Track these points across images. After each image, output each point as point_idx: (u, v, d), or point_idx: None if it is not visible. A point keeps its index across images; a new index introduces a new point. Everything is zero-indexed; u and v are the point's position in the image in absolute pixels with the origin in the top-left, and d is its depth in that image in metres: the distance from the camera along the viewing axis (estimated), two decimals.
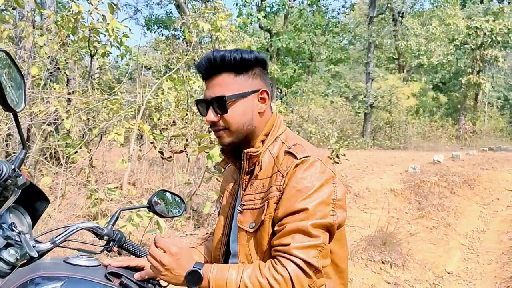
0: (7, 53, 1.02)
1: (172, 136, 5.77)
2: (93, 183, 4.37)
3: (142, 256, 1.50)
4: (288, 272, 1.12)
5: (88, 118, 5.56)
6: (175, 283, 1.20)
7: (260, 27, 22.07)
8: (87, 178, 4.87)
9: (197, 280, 1.17)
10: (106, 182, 5.56)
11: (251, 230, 1.28)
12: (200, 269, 1.18)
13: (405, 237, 5.09)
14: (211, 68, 1.29)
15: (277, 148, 1.31)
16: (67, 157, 5.15)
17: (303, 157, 1.23)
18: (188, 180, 4.94)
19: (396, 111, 20.41)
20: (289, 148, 1.27)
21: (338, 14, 25.65)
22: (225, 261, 1.48)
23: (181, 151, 5.50)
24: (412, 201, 6.76)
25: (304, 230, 1.15)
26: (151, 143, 6.09)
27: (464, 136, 20.36)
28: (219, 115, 1.29)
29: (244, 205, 1.32)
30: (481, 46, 19.64)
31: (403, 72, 23.36)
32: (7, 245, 1.18)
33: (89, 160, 5.51)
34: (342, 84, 24.39)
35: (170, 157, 5.59)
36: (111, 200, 4.80)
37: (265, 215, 1.23)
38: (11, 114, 1.09)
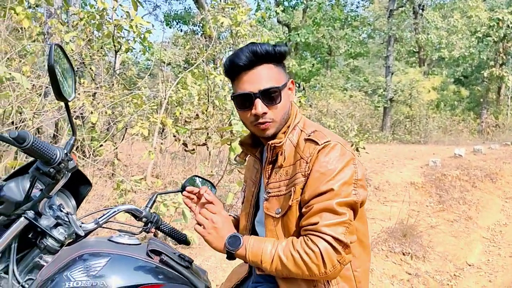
0: (60, 47, 1.12)
1: (195, 129, 5.88)
2: (121, 174, 4.50)
3: (177, 238, 1.60)
4: (319, 248, 1.19)
5: (113, 112, 5.70)
6: (215, 245, 1.28)
7: (279, 21, 22.04)
8: (113, 170, 5.01)
9: (237, 244, 1.26)
10: (131, 174, 5.71)
11: (277, 216, 1.34)
12: (240, 236, 1.27)
13: (425, 229, 5.11)
14: (254, 59, 1.31)
15: (296, 136, 1.38)
16: (93, 150, 5.31)
17: (324, 142, 1.29)
18: (211, 172, 5.04)
19: (416, 105, 20.14)
20: (309, 136, 1.34)
21: (357, 7, 25.47)
22: None
23: (204, 144, 5.61)
24: (432, 195, 6.74)
25: (331, 208, 1.22)
26: (173, 136, 6.22)
27: (486, 130, 19.98)
28: (267, 107, 1.32)
29: (269, 192, 1.38)
30: (504, 38, 19.21)
31: (424, 65, 23.03)
32: (57, 225, 1.28)
33: (114, 153, 5.66)
34: (361, 78, 24.17)
35: (193, 149, 5.70)
36: (135, 192, 4.95)
37: (292, 201, 1.30)
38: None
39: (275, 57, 1.34)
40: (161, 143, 6.58)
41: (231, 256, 1.28)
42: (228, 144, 4.58)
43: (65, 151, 1.17)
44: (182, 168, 6.42)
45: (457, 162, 8.53)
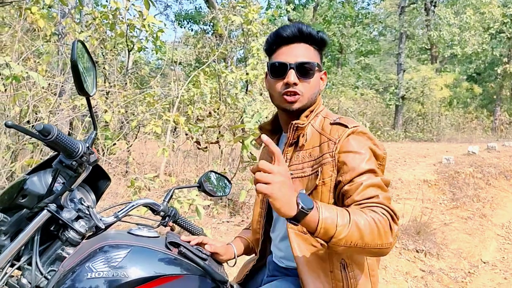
0: (82, 43, 1.14)
1: (208, 127, 5.92)
2: (136, 172, 4.55)
3: (193, 231, 1.63)
4: (386, 217, 1.15)
5: (127, 111, 5.76)
6: (284, 204, 1.00)
7: (289, 19, 21.99)
8: (127, 168, 5.06)
9: (310, 202, 1.05)
10: (144, 172, 5.76)
11: None
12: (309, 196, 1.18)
13: (439, 226, 5.08)
14: (298, 35, 1.39)
15: (318, 122, 1.41)
16: (106, 148, 5.37)
17: (354, 126, 1.33)
18: (224, 170, 5.07)
19: (428, 102, 19.95)
20: (335, 120, 1.37)
21: (368, 4, 25.37)
22: (265, 233, 1.58)
23: (217, 142, 5.64)
24: (446, 192, 6.69)
25: (379, 185, 1.23)
26: (185, 134, 6.26)
27: (500, 127, 19.74)
28: (299, 79, 1.37)
29: (292, 174, 1.38)
30: None
31: (436, 62, 22.81)
32: (78, 218, 1.32)
33: (128, 152, 5.72)
34: (372, 76, 24.03)
35: (206, 147, 5.74)
36: (149, 189, 4.99)
37: (319, 180, 1.31)
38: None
39: (317, 41, 1.43)
40: (173, 142, 6.63)
41: (298, 219, 1.04)
42: (240, 142, 4.60)
43: (87, 145, 1.20)
44: (195, 166, 6.46)
45: (471, 160, 8.45)
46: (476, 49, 20.44)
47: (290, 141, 1.42)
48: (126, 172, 4.97)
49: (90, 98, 1.20)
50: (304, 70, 1.37)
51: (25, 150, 4.49)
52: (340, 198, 1.28)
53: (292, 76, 1.36)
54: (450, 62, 23.87)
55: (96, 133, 1.28)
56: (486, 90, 23.29)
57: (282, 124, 1.52)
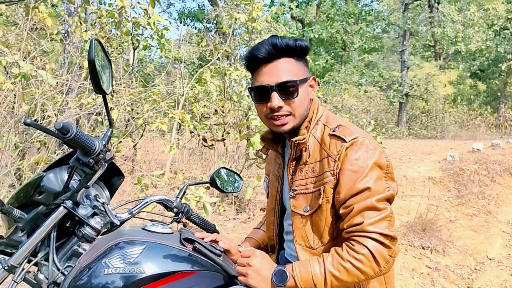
0: (99, 42, 1.16)
1: (214, 124, 5.94)
2: (144, 169, 4.57)
3: (207, 228, 1.64)
4: (368, 248, 1.18)
5: (132, 109, 5.78)
6: (262, 283, 1.23)
7: (292, 17, 21.99)
8: (133, 165, 5.09)
9: (284, 278, 1.21)
10: (149, 170, 5.78)
11: (306, 214, 1.34)
12: (283, 268, 1.24)
13: (445, 223, 5.08)
14: (274, 52, 1.30)
15: (319, 131, 1.36)
16: (112, 146, 5.40)
17: (352, 139, 1.28)
18: (230, 167, 5.09)
19: (432, 99, 19.90)
20: (334, 131, 1.32)
21: (372, 1, 25.29)
22: (279, 239, 1.57)
23: (223, 139, 5.66)
24: (451, 189, 6.69)
25: (372, 206, 1.21)
26: (191, 132, 6.27)
27: (504, 124, 19.68)
28: (283, 101, 1.30)
29: (295, 190, 1.37)
30: None
31: (440, 59, 22.73)
32: (93, 214, 1.34)
33: (134, 149, 5.74)
34: (375, 73, 23.97)
35: (212, 144, 5.76)
36: (155, 187, 5.02)
37: (322, 199, 1.29)
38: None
39: (296, 51, 1.33)
40: (178, 139, 6.65)
41: None
42: (246, 140, 4.61)
43: (103, 142, 1.21)
44: (200, 164, 6.48)
45: (476, 157, 8.44)
46: (480, 46, 20.37)
47: (293, 156, 1.39)
48: (133, 169, 5.00)
49: (106, 96, 1.21)
50: (287, 90, 1.30)
51: (33, 148, 4.52)
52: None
53: (275, 99, 1.29)
54: (454, 59, 23.79)
55: (112, 131, 1.30)
56: (490, 87, 23.20)
57: (285, 136, 1.46)
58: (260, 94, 1.33)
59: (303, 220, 1.35)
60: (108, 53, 1.23)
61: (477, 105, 22.85)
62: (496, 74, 22.51)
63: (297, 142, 1.34)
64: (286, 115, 1.32)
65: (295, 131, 1.37)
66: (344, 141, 1.28)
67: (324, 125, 1.37)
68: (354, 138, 1.28)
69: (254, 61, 1.33)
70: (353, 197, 1.23)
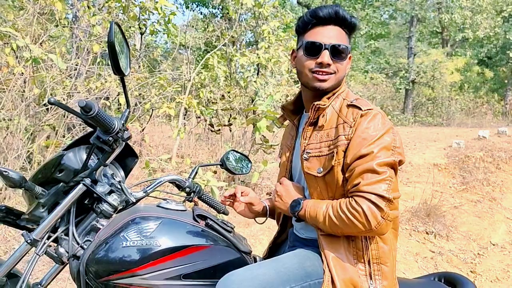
0: (118, 25, 1.20)
1: (221, 109, 5.98)
2: (152, 153, 4.63)
3: (217, 208, 1.70)
4: (362, 207, 1.27)
5: (140, 94, 5.83)
6: (282, 210, 1.53)
7: (298, 2, 21.80)
8: (140, 149, 5.15)
9: (297, 208, 1.44)
10: (157, 155, 5.85)
11: (319, 175, 1.42)
12: (301, 200, 1.42)
13: (449, 209, 5.13)
14: (334, 17, 1.44)
15: (338, 103, 1.46)
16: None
17: (367, 109, 1.37)
18: None
19: (439, 87, 19.78)
20: (352, 102, 1.42)
21: None
22: None
23: (230, 124, 5.70)
24: (456, 176, 6.72)
25: (371, 169, 1.29)
26: (197, 117, 6.32)
27: (510, 112, 19.56)
28: (332, 61, 1.43)
29: (309, 153, 1.46)
30: None
31: (447, 46, 22.53)
32: (111, 192, 1.39)
33: (141, 134, 5.80)
34: (382, 60, 23.82)
35: (219, 130, 5.80)
36: (162, 171, 5.08)
37: (334, 161, 1.37)
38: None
39: (349, 26, 1.48)
40: (185, 124, 6.70)
41: (298, 218, 1.46)
42: (253, 125, 4.66)
43: (122, 122, 1.26)
44: (207, 149, 6.54)
45: (481, 144, 8.44)
46: (488, 33, 20.14)
47: (311, 121, 1.48)
48: (140, 153, 5.06)
49: (125, 77, 1.26)
50: (338, 52, 1.43)
51: (43, 132, 4.58)
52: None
53: (326, 56, 1.41)
54: (461, 46, 23.55)
55: (129, 111, 1.35)
56: (497, 75, 23.00)
57: (305, 103, 1.57)
58: (312, 50, 1.44)
59: (317, 181, 1.44)
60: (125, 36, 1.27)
61: (483, 93, 22.69)
62: (503, 62, 22.29)
63: (318, 106, 1.45)
64: (330, 73, 1.44)
65: (323, 94, 1.47)
66: (360, 109, 1.38)
67: (344, 99, 1.47)
68: (369, 109, 1.38)
69: (314, 19, 1.46)
70: (356, 161, 1.32)
